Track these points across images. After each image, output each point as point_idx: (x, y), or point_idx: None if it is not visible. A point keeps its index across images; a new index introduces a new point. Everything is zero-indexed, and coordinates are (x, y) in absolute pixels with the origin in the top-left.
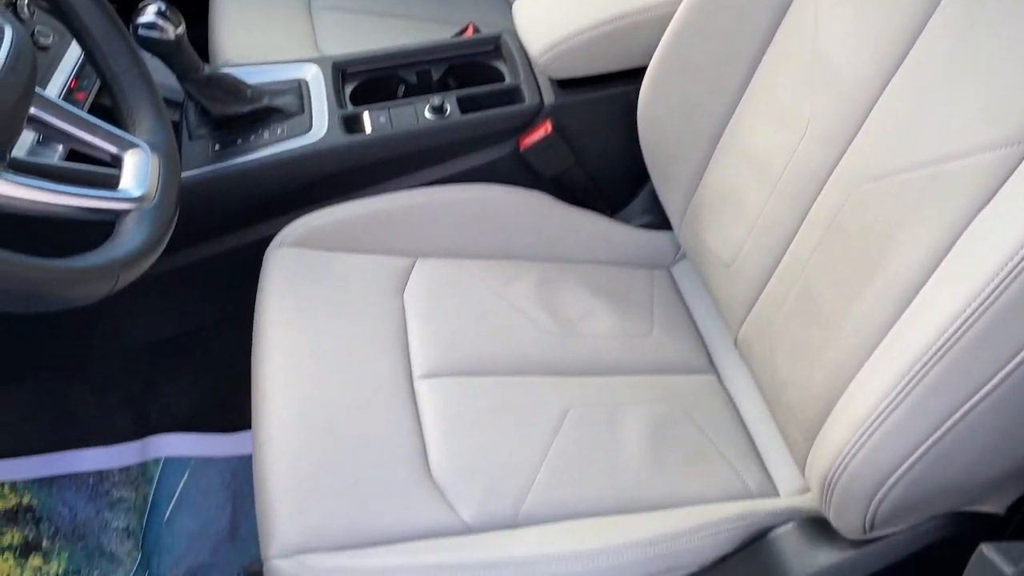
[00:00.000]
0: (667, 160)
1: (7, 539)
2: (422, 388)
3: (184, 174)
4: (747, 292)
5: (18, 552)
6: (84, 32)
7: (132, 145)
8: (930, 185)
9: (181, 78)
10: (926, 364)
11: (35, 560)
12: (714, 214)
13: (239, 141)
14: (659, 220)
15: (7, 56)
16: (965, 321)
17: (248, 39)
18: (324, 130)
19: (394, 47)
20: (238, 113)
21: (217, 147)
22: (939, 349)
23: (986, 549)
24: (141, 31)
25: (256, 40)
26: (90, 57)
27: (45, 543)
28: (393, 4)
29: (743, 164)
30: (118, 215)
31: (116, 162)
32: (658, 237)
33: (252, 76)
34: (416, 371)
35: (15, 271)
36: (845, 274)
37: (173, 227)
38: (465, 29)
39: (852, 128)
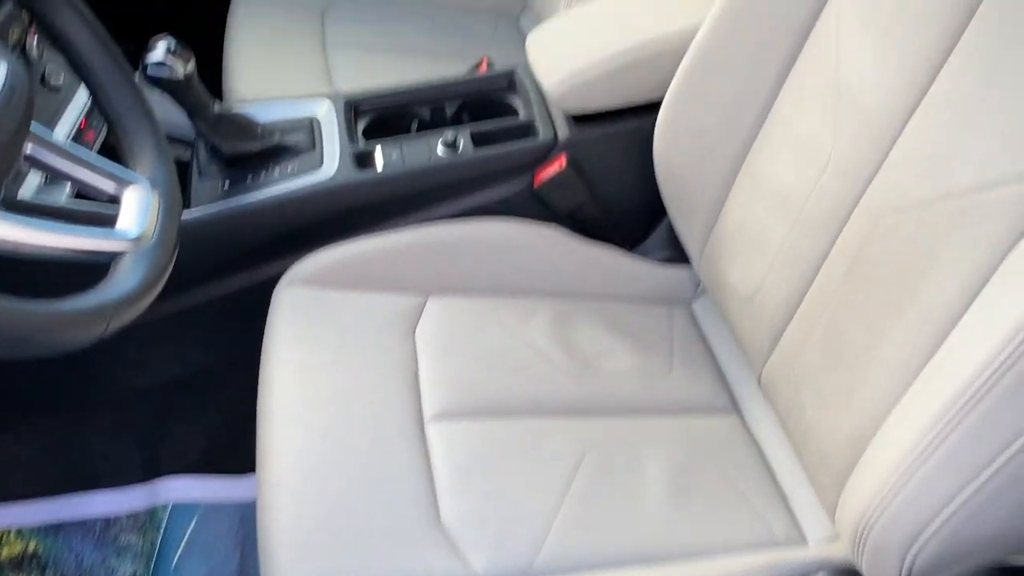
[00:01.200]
0: (684, 194)
1: None
2: (432, 431)
3: (193, 212)
4: (770, 328)
5: None
6: (87, 70)
7: (131, 182)
8: (960, 217)
9: (191, 115)
10: (962, 408)
11: None
12: (734, 248)
13: (249, 178)
14: (678, 255)
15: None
16: (1004, 362)
17: (262, 76)
18: (335, 167)
19: (407, 83)
20: (249, 151)
21: (227, 185)
22: (976, 391)
23: None
24: (150, 69)
25: (270, 77)
26: (94, 95)
27: None
28: (408, 40)
29: (763, 197)
30: (113, 256)
31: (115, 200)
32: (677, 272)
33: (264, 112)
34: (427, 413)
35: None
36: (873, 311)
37: (170, 269)
38: (480, 63)
39: (877, 158)
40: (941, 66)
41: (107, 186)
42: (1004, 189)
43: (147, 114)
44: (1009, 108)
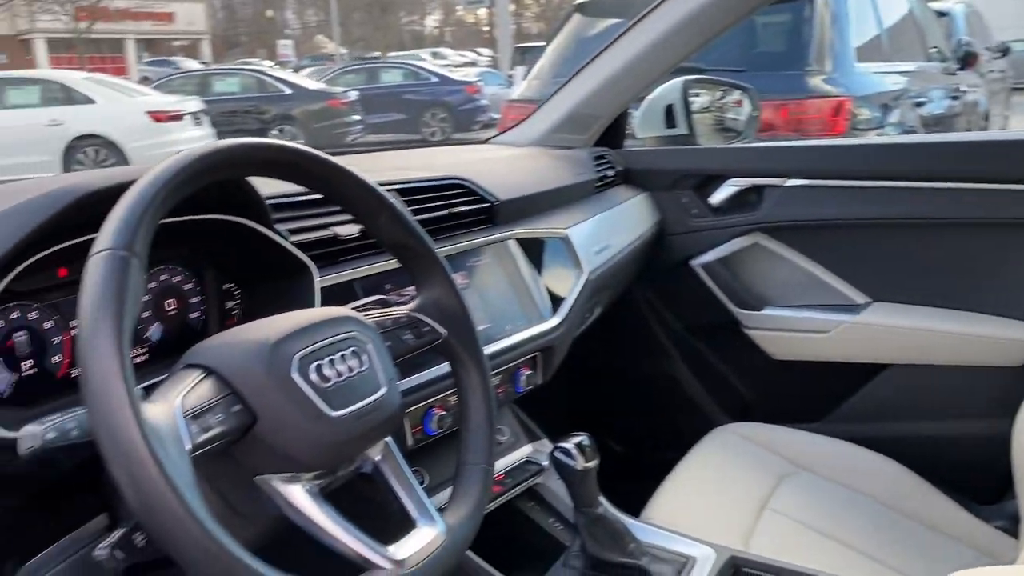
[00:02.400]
0: None
1: None
2: None
3: None
4: None
5: None
6: (464, 422)
7: (431, 521)
8: None
9: (576, 507)
10: None
11: None
12: None
13: None
14: None
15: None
16: None
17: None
18: None
19: None
20: (611, 560)
21: None
22: None
23: None
24: (558, 452)
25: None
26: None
27: None
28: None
29: None
30: (369, 568)
31: (407, 525)
32: None
33: (648, 534)
34: None
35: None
36: None
37: None
38: None
39: None
40: None
41: (411, 510)
42: None
43: (487, 472)
44: None
